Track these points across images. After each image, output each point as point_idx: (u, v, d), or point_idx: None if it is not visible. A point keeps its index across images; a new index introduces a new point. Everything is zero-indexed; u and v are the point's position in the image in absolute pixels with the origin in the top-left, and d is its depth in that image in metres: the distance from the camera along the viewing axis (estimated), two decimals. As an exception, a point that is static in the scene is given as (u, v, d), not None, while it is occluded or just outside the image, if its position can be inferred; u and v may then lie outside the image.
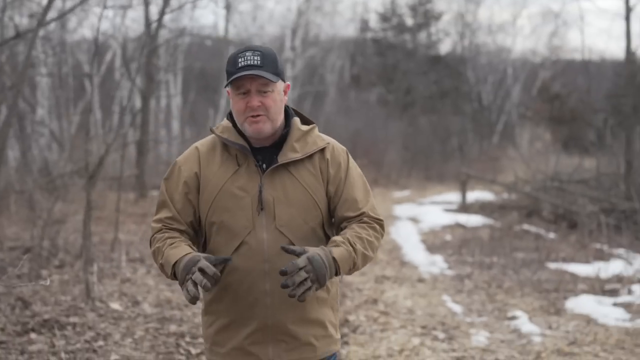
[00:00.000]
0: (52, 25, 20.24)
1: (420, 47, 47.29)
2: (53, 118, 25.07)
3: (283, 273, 2.88)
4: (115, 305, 8.13)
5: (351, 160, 3.27)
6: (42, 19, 9.94)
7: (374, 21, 48.98)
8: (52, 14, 16.00)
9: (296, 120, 3.21)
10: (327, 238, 3.19)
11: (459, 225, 18.59)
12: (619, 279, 11.14)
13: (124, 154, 11.01)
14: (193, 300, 2.97)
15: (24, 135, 18.58)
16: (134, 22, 29.11)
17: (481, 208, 22.07)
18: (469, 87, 48.81)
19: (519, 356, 7.27)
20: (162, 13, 18.47)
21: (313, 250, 2.93)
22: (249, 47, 3.09)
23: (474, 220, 19.25)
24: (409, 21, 47.76)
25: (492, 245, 14.85)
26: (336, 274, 3.02)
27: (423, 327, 8.24)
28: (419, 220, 19.32)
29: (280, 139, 3.17)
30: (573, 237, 16.07)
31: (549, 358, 7.07)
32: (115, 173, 15.84)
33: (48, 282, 6.23)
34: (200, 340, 7.28)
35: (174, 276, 3.09)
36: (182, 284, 2.97)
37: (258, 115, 3.05)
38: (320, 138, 3.21)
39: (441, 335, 7.95)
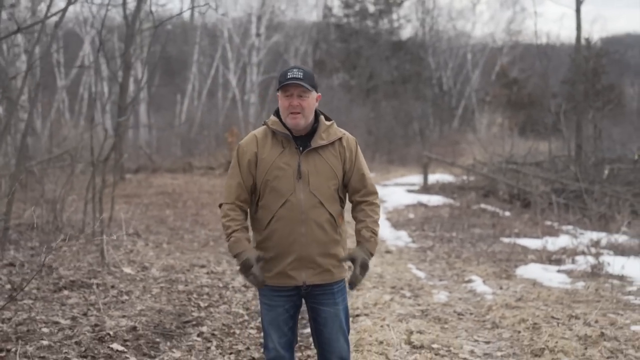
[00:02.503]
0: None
1: (382, 33, 48.27)
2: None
3: (355, 279, 4.41)
4: (127, 270, 9.37)
5: (358, 147, 4.64)
6: (46, 12, 10.95)
7: (337, 7, 49.79)
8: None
9: (322, 117, 4.55)
10: (340, 199, 4.53)
11: (421, 205, 19.92)
12: (564, 250, 12.45)
13: (122, 138, 12.08)
14: (260, 284, 4.40)
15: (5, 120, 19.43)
16: (110, 11, 29.78)
17: (442, 189, 23.40)
18: (430, 73, 50.09)
19: (473, 309, 8.56)
20: (139, 1, 19.41)
21: (359, 257, 4.41)
22: (296, 66, 4.43)
23: (435, 200, 20.59)
24: (371, 7, 48.72)
25: (452, 222, 16.19)
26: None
27: (392, 288, 9.52)
28: (384, 200, 20.55)
29: (312, 130, 4.50)
30: (526, 215, 17.40)
31: (499, 311, 8.34)
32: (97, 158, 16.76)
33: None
34: (205, 296, 8.55)
35: (234, 256, 4.47)
36: (244, 275, 4.42)
37: (297, 113, 4.40)
38: (339, 130, 4.57)
39: (408, 294, 9.22)
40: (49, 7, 11.15)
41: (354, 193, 4.59)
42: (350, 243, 4.57)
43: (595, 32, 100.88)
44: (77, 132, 28.50)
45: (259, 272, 4.35)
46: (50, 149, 19.10)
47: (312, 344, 6.71)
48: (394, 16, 49.76)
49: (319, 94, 4.50)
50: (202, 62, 43.01)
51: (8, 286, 8.23)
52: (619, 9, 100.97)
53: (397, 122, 42.09)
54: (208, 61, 44.12)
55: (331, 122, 4.57)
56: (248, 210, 4.56)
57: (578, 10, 21.72)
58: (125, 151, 24.99)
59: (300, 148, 4.45)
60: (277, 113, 4.56)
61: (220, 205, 4.57)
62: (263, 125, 4.58)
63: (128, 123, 12.99)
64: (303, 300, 4.59)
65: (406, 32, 51.72)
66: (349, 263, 4.55)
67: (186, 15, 44.33)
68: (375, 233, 4.54)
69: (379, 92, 44.37)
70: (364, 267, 4.42)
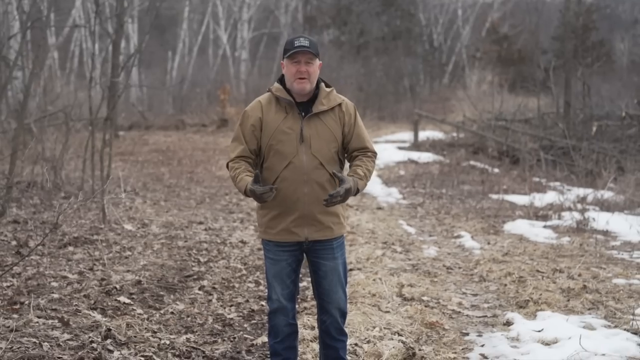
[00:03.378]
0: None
1: (373, -12, 48.18)
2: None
3: (333, 195, 4.52)
4: (128, 227, 9.69)
5: (357, 112, 4.92)
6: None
7: (327, -38, 49.57)
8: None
9: (322, 84, 4.81)
10: (340, 160, 4.83)
11: (411, 162, 20.24)
12: (551, 207, 12.80)
13: (121, 94, 12.30)
14: (269, 196, 4.55)
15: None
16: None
17: (432, 146, 23.73)
18: (420, 29, 50.13)
19: (462, 263, 8.92)
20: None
21: (349, 183, 4.58)
22: (302, 35, 4.73)
23: (425, 157, 20.92)
24: (362, -38, 48.56)
25: (442, 179, 16.53)
26: (354, 195, 4.74)
27: (384, 243, 9.86)
28: (376, 153, 20.80)
29: (313, 97, 4.77)
30: (515, 172, 17.76)
31: (486, 265, 8.69)
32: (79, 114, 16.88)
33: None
34: (204, 252, 8.89)
35: (245, 195, 4.67)
36: (261, 201, 4.59)
37: (304, 78, 4.63)
38: (338, 96, 4.84)
39: (399, 249, 9.56)
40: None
41: (354, 151, 4.87)
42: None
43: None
44: (69, 90, 28.72)
45: (262, 189, 4.52)
46: (45, 107, 19.28)
47: (309, 296, 7.10)
48: (385, -29, 49.61)
49: (321, 62, 4.77)
50: (192, 19, 43.00)
51: (14, 242, 8.55)
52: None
53: (388, 78, 42.25)
54: (199, 18, 44.11)
55: (331, 88, 4.84)
56: (251, 162, 4.80)
57: (568, -32, 21.94)
58: (118, 109, 25.16)
59: (303, 113, 4.71)
60: (280, 80, 4.82)
61: (227, 166, 4.84)
62: (267, 92, 4.83)
63: (127, 84, 13.18)
64: (304, 255, 4.90)
65: (397, -12, 51.57)
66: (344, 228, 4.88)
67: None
68: (367, 176, 4.81)
69: (370, 48, 44.42)
70: (347, 192, 4.58)
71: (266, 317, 6.52)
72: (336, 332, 4.92)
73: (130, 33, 36.76)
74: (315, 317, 6.25)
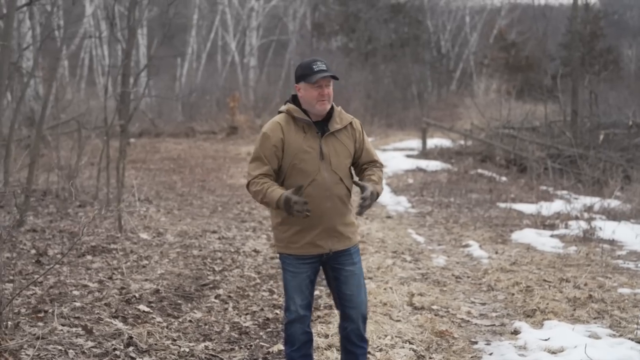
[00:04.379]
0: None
1: (381, -5, 48.33)
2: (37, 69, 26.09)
3: (365, 198, 4.80)
4: (144, 236, 9.92)
5: (363, 128, 5.20)
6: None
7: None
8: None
9: (333, 104, 5.03)
10: (351, 174, 5.10)
11: (420, 170, 20.45)
12: (558, 215, 13.00)
13: (137, 106, 12.55)
14: (307, 214, 4.77)
15: (17, 86, 19.78)
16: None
17: (440, 154, 23.91)
18: (428, 36, 50.34)
19: (470, 272, 9.13)
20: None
21: (371, 187, 4.87)
22: (317, 59, 4.93)
23: (433, 165, 21.12)
24: (370, -31, 48.71)
25: (450, 187, 16.73)
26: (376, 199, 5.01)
27: (394, 252, 10.07)
28: (384, 165, 20.97)
29: (327, 116, 5.00)
30: (522, 180, 17.94)
31: (494, 274, 8.90)
32: (95, 123, 17.09)
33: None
34: (219, 261, 9.11)
35: (277, 208, 4.87)
36: (290, 212, 4.75)
37: (325, 100, 4.85)
38: (348, 115, 5.11)
39: (408, 258, 9.77)
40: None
41: (364, 165, 5.14)
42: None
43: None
44: (80, 97, 28.98)
45: (299, 198, 4.73)
46: (57, 115, 19.52)
47: (322, 305, 7.31)
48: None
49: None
50: (200, 26, 43.24)
51: (33, 251, 8.77)
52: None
53: (396, 85, 42.47)
54: (207, 25, 44.36)
55: (339, 108, 5.09)
56: (274, 180, 4.99)
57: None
58: (126, 115, 25.36)
59: (319, 132, 4.95)
60: (293, 101, 5.04)
61: (247, 185, 5.02)
62: (279, 113, 5.06)
63: (143, 94, 13.38)
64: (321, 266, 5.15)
65: (405, -5, 51.78)
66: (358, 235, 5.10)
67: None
68: (380, 182, 5.08)
69: (378, 55, 44.62)
70: (373, 195, 4.85)
71: (281, 325, 6.76)
72: (357, 338, 5.13)
73: (139, 40, 36.97)
74: (329, 325, 6.49)
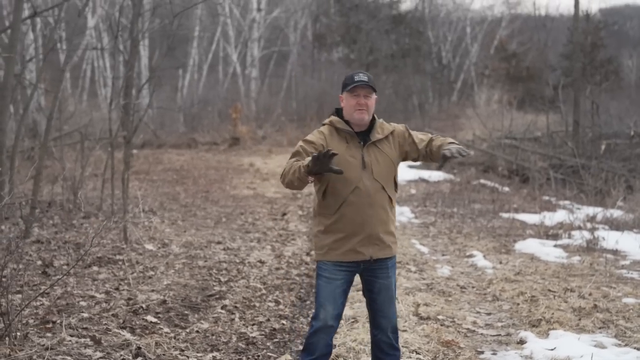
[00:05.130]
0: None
1: (382, 6, 48.34)
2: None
3: (446, 155, 4.81)
4: (149, 247, 9.96)
5: (408, 128, 5.27)
6: None
7: (337, -19, 49.74)
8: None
9: (375, 117, 5.18)
10: (395, 183, 5.18)
11: (422, 180, 20.50)
12: (561, 225, 13.03)
13: (142, 117, 12.59)
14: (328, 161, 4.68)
15: (20, 97, 19.82)
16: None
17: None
18: (429, 47, 50.43)
19: (475, 283, 9.16)
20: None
21: (447, 144, 4.97)
22: (360, 71, 5.13)
23: (435, 175, 21.16)
24: (371, -20, 48.74)
25: (453, 197, 16.76)
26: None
27: (398, 262, 10.07)
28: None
29: (369, 128, 5.15)
30: (525, 191, 17.98)
31: (499, 284, 8.94)
32: (100, 134, 17.14)
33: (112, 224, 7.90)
34: (224, 271, 9.14)
35: (308, 172, 4.81)
36: (321, 168, 4.70)
37: (362, 109, 5.02)
38: (390, 125, 5.24)
39: (413, 269, 9.81)
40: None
41: (427, 149, 5.19)
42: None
43: (594, 2, 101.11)
44: (82, 108, 29.07)
45: (325, 152, 4.71)
46: (60, 127, 19.58)
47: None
48: (394, -11, 49.89)
49: (377, 96, 5.17)
50: (202, 37, 43.33)
51: (39, 262, 8.81)
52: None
53: (397, 96, 42.48)
54: (208, 36, 44.44)
55: (381, 119, 5.24)
56: None
57: (576, -12, 22.18)
58: (129, 127, 25.40)
59: (361, 142, 5.08)
60: (337, 113, 5.21)
61: (282, 177, 5.03)
62: (323, 125, 5.21)
63: (148, 106, 13.46)
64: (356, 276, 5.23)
65: (405, 6, 52.02)
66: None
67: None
68: (447, 141, 5.14)
69: (379, 66, 44.63)
70: (449, 151, 4.85)
71: (288, 336, 6.80)
72: (387, 347, 5.26)
73: (140, 51, 37.01)
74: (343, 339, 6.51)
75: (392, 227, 5.17)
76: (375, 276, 5.15)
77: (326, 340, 5.10)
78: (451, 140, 5.08)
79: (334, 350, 6.02)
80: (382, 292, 5.18)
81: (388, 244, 5.14)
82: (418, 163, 22.41)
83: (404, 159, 5.27)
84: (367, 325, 6.85)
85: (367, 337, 6.50)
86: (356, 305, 7.70)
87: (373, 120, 5.18)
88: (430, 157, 5.17)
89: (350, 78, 5.10)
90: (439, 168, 5.03)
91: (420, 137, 5.23)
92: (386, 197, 5.09)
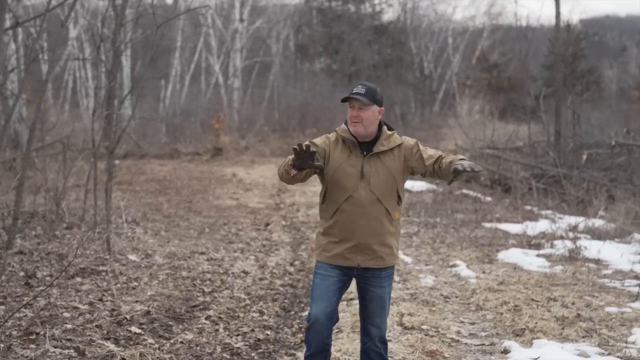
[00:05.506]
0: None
1: (364, 17, 48.43)
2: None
3: (457, 171, 4.84)
4: (132, 257, 9.93)
5: (419, 144, 5.32)
6: (47, 6, 11.39)
7: (319, -9, 49.77)
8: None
9: (385, 128, 5.30)
10: (398, 196, 5.26)
11: (405, 190, 20.47)
12: (543, 235, 13.08)
13: (126, 128, 12.62)
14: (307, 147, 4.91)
15: (2, 108, 19.72)
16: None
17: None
18: (411, 57, 50.57)
19: (458, 292, 9.18)
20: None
21: (457, 160, 4.99)
22: (362, 83, 5.24)
23: (418, 185, 21.20)
24: (353, -9, 48.83)
25: (435, 207, 16.80)
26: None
27: (382, 273, 10.13)
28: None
29: (375, 139, 5.26)
30: (507, 200, 18.03)
31: (482, 293, 8.96)
32: (84, 145, 17.07)
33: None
34: (208, 282, 9.13)
35: (293, 166, 4.96)
36: (300, 159, 4.88)
37: (357, 122, 5.16)
38: (398, 138, 5.29)
39: (397, 278, 9.81)
40: (49, 0, 11.53)
41: (434, 167, 5.22)
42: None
43: (575, 13, 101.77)
44: (64, 119, 28.97)
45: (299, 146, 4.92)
46: (41, 137, 19.49)
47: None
48: (376, 0, 50.01)
49: (382, 107, 5.25)
50: (184, 47, 43.29)
51: (22, 273, 8.77)
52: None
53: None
54: (191, 46, 44.41)
55: (393, 131, 5.34)
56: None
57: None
58: (112, 138, 25.32)
59: (364, 152, 5.21)
60: (346, 123, 5.33)
61: (278, 169, 5.24)
62: (333, 132, 5.36)
63: (132, 115, 13.47)
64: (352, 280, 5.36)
65: (388, 17, 52.05)
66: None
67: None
68: (455, 155, 5.22)
69: (361, 76, 44.68)
70: (461, 165, 4.87)
71: (272, 346, 6.81)
72: (376, 355, 5.38)
73: (122, 61, 36.92)
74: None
75: (388, 239, 5.23)
76: (368, 284, 5.28)
77: (321, 337, 5.22)
78: (462, 157, 5.12)
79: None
80: (373, 301, 5.30)
81: (380, 255, 5.22)
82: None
83: (412, 174, 5.37)
84: (352, 335, 6.90)
85: (352, 347, 6.52)
86: (340, 315, 7.69)
87: (380, 133, 5.27)
88: (438, 173, 5.21)
89: (350, 90, 5.24)
90: (449, 183, 5.06)
91: (429, 153, 5.27)
92: (382, 209, 5.18)
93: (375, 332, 5.34)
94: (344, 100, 5.22)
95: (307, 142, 5.07)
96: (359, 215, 5.14)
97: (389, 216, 5.20)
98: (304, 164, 4.90)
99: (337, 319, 5.43)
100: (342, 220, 5.18)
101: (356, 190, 5.15)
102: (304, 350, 5.38)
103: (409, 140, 5.36)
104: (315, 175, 5.29)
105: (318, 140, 5.32)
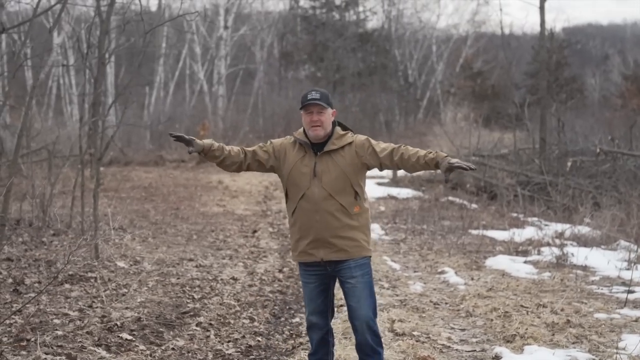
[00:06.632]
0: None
1: (348, 25, 48.50)
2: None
3: (451, 167, 5.06)
4: (121, 264, 9.88)
5: (370, 140, 5.49)
6: (34, 12, 11.34)
7: (303, -1, 49.81)
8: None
9: (337, 128, 5.50)
10: (354, 192, 5.41)
11: (391, 197, 20.54)
12: (530, 242, 13.13)
13: (114, 134, 12.65)
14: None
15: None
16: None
17: (410, 182, 24.00)
18: (396, 65, 50.67)
19: (448, 299, 9.19)
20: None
21: (445, 159, 5.10)
22: (314, 89, 5.44)
23: (404, 192, 21.24)
24: (337, -1, 48.88)
25: (422, 214, 16.81)
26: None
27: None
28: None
29: (327, 139, 5.46)
30: (493, 207, 18.09)
31: (472, 300, 8.97)
32: (70, 152, 17.00)
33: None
34: (197, 288, 9.11)
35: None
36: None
37: (317, 126, 5.40)
38: (350, 137, 5.48)
39: (386, 285, 9.83)
40: (36, 7, 11.49)
41: (393, 157, 5.38)
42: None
43: (558, 21, 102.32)
44: (47, 126, 28.84)
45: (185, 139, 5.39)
46: (27, 144, 19.40)
47: (302, 333, 7.35)
48: (360, 8, 50.14)
49: (334, 109, 5.47)
50: (168, 54, 43.23)
51: (10, 280, 8.72)
52: (583, 0, 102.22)
53: (364, 114, 42.60)
54: (175, 53, 44.35)
55: (346, 131, 5.53)
56: (243, 158, 5.57)
57: (542, 7, 22.37)
58: (97, 145, 25.24)
59: (317, 152, 5.42)
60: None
61: None
62: (290, 136, 5.60)
63: (119, 122, 13.46)
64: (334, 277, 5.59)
65: (372, 24, 52.18)
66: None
67: (153, 6, 44.65)
68: (428, 152, 5.31)
69: (346, 84, 44.81)
70: (453, 163, 5.04)
71: (263, 352, 6.85)
72: (368, 349, 5.48)
73: (106, 68, 36.82)
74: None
75: (348, 232, 5.41)
76: (342, 276, 5.49)
77: (319, 336, 5.61)
78: (444, 154, 5.21)
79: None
80: (349, 293, 5.49)
81: (342, 248, 5.41)
82: (386, 180, 22.40)
83: (368, 168, 5.51)
84: (344, 341, 6.91)
85: (344, 354, 6.52)
86: (331, 322, 7.68)
87: (332, 132, 5.48)
88: (399, 164, 5.37)
89: (304, 97, 5.46)
90: (446, 181, 5.26)
91: (382, 146, 5.43)
92: (336, 205, 5.37)
93: (361, 326, 5.46)
94: (303, 107, 5.40)
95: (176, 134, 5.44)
96: (314, 211, 5.39)
97: (345, 210, 5.39)
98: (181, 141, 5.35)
99: (333, 313, 5.79)
100: (300, 217, 5.45)
101: (309, 188, 5.40)
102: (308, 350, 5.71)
103: (360, 137, 5.55)
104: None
105: (276, 140, 5.64)
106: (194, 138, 5.38)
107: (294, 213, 5.48)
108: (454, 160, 5.07)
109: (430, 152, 5.27)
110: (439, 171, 5.34)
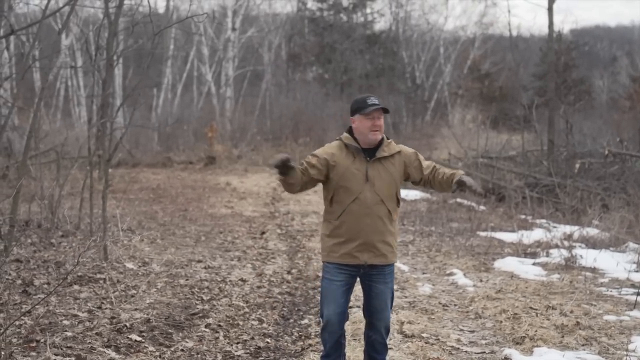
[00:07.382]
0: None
1: (356, 26, 48.49)
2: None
3: (461, 183, 5.42)
4: (130, 265, 9.90)
5: (419, 153, 5.75)
6: (43, 14, 11.36)
7: (311, 1, 49.62)
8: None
9: (384, 136, 5.66)
10: (397, 199, 5.65)
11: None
12: (539, 244, 13.11)
13: (123, 136, 12.69)
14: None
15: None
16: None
17: (418, 183, 23.93)
18: (403, 66, 50.65)
19: (457, 300, 9.19)
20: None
21: (461, 176, 5.48)
22: (371, 95, 5.68)
23: (412, 194, 21.20)
24: (345, 1, 48.64)
25: (430, 216, 16.82)
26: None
27: (380, 281, 10.12)
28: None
29: (377, 145, 5.60)
30: (501, 209, 18.06)
31: (481, 302, 8.97)
32: (78, 153, 17.02)
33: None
34: (206, 290, 9.11)
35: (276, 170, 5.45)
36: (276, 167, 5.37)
37: (377, 130, 5.55)
38: (397, 146, 5.73)
39: (395, 287, 9.78)
40: (45, 9, 11.51)
41: (433, 176, 5.69)
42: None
43: (566, 23, 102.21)
44: (56, 128, 28.90)
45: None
46: (35, 146, 19.44)
47: (311, 334, 7.34)
48: (368, 10, 50.14)
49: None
50: (176, 56, 43.27)
51: (19, 281, 8.74)
52: (591, 1, 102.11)
53: (372, 115, 42.53)
54: (183, 55, 44.39)
55: (390, 140, 5.71)
56: (307, 177, 5.59)
57: (550, 9, 22.35)
58: (106, 146, 25.28)
59: (368, 158, 5.59)
60: (349, 131, 5.68)
61: None
62: (336, 140, 5.73)
63: (129, 124, 13.50)
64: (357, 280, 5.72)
65: (380, 26, 52.18)
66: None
67: (161, 8, 44.68)
68: (451, 172, 5.63)
69: (354, 85, 44.74)
70: (468, 180, 5.40)
71: (272, 354, 6.83)
72: (380, 346, 5.77)
73: (115, 70, 36.86)
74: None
75: (389, 238, 5.58)
76: (373, 281, 5.63)
77: (334, 337, 5.68)
78: (462, 171, 5.54)
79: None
80: (378, 297, 5.67)
81: (383, 253, 5.57)
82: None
83: (406, 179, 5.71)
84: (353, 343, 6.89)
85: (353, 355, 6.51)
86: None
87: (382, 139, 5.61)
88: (431, 183, 5.67)
89: (363, 102, 5.60)
90: (453, 191, 5.51)
91: (427, 163, 5.68)
92: (385, 210, 5.53)
93: (380, 325, 5.72)
94: (366, 112, 5.50)
95: (283, 156, 5.36)
96: (365, 215, 5.49)
97: (390, 217, 5.57)
98: (285, 171, 5.34)
99: (347, 318, 5.81)
100: (348, 220, 5.51)
101: (362, 192, 5.50)
102: (321, 351, 5.77)
103: (408, 149, 5.78)
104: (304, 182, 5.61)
105: (319, 151, 5.67)
106: (294, 166, 5.41)
107: (341, 216, 5.54)
108: (466, 178, 5.36)
109: (454, 173, 5.53)
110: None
